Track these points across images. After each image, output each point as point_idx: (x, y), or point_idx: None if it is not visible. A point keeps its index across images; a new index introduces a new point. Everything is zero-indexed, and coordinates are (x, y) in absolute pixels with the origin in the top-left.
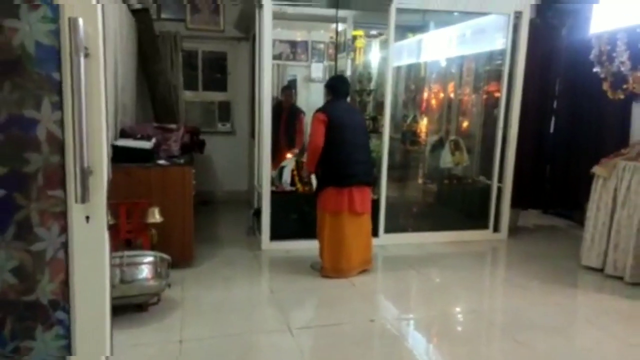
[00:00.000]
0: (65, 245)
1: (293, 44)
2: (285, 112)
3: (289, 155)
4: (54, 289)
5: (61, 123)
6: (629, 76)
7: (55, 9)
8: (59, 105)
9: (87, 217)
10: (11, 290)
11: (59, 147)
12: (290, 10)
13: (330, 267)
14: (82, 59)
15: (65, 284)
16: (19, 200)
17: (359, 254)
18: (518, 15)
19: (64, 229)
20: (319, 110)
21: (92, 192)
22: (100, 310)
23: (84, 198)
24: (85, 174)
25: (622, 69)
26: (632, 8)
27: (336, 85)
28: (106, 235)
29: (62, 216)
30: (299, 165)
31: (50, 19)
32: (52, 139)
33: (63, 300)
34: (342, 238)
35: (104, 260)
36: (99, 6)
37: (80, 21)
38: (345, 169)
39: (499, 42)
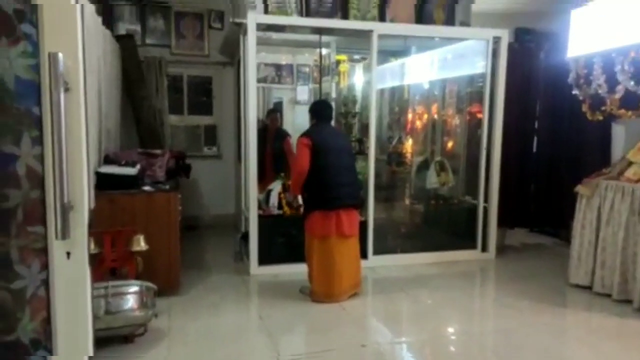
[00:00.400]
0: (46, 283)
1: (278, 67)
2: (271, 135)
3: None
4: (35, 327)
5: (41, 158)
6: (607, 98)
7: (35, 44)
8: (39, 140)
9: (68, 253)
10: None
11: (39, 182)
12: (275, 36)
13: (321, 292)
14: (62, 94)
15: (47, 322)
16: None
17: (350, 278)
18: (497, 40)
19: (45, 266)
20: (303, 134)
21: (72, 227)
22: (83, 347)
23: (64, 234)
24: (65, 210)
25: (600, 91)
26: (606, 33)
27: (319, 110)
28: (88, 271)
29: (43, 252)
30: (285, 188)
31: (30, 53)
32: (32, 175)
33: (45, 339)
34: (332, 262)
35: (86, 296)
36: (80, 40)
37: (60, 56)
38: (331, 192)
39: (479, 65)
